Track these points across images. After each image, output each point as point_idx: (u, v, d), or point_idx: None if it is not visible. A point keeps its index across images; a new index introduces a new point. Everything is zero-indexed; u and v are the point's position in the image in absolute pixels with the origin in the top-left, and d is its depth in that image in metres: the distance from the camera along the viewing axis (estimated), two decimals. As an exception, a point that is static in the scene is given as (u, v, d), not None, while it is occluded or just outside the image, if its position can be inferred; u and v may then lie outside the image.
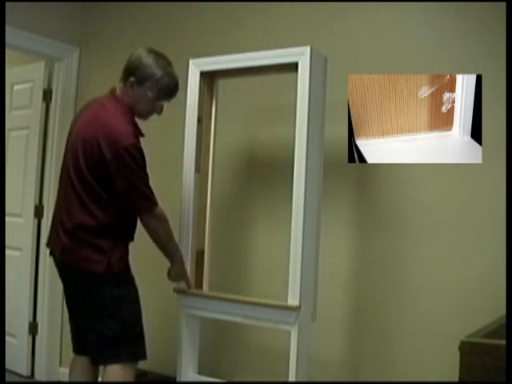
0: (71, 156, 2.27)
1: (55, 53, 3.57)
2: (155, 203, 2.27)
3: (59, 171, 3.57)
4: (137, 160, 2.18)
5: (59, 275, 2.39)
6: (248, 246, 2.94)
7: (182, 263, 2.46)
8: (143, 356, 2.31)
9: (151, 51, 2.29)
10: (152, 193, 2.27)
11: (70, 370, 2.42)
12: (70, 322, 2.44)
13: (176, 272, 2.46)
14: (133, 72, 2.25)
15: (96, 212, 2.20)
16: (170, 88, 2.30)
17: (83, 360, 2.37)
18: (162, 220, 2.31)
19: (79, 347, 2.39)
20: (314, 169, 2.31)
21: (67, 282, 2.35)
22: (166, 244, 2.36)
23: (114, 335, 2.22)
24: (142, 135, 2.31)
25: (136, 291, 2.34)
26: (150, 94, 2.27)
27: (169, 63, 2.30)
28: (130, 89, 2.26)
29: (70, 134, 2.37)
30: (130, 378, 2.26)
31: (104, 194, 2.20)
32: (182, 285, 2.50)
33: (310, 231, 2.30)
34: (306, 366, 2.31)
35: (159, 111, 2.37)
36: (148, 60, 2.25)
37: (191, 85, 2.57)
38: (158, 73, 2.25)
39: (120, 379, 2.22)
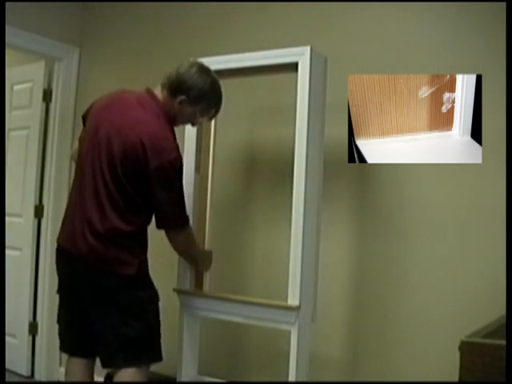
0: (106, 154, 2.14)
1: (55, 53, 3.57)
2: (188, 220, 2.29)
3: (60, 171, 3.61)
4: (179, 174, 2.18)
5: (68, 272, 2.26)
6: (248, 246, 2.94)
7: (203, 259, 2.53)
8: (160, 358, 2.29)
9: (205, 70, 2.24)
10: (185, 209, 2.25)
11: (67, 372, 2.34)
12: (69, 323, 2.33)
13: (204, 265, 2.54)
14: (186, 91, 2.19)
15: (131, 217, 2.16)
16: (218, 111, 2.34)
17: (82, 362, 2.31)
18: (191, 237, 2.37)
19: (79, 349, 2.31)
20: (314, 169, 2.31)
21: (83, 281, 2.21)
22: (188, 258, 2.49)
23: (138, 337, 2.18)
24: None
25: (157, 293, 2.32)
26: (198, 114, 2.27)
27: (220, 85, 2.29)
28: (179, 105, 2.22)
29: (98, 125, 2.20)
30: (144, 379, 2.22)
31: (139, 199, 2.16)
32: None
33: (310, 231, 2.30)
34: (306, 366, 2.31)
35: (197, 125, 2.40)
36: (205, 83, 2.21)
37: (191, 85, 2.56)
38: (214, 98, 2.26)
39: (136, 380, 2.18)
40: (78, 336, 2.31)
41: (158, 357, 2.28)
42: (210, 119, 2.42)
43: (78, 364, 2.32)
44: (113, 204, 2.13)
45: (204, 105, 2.25)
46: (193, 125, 2.39)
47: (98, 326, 2.21)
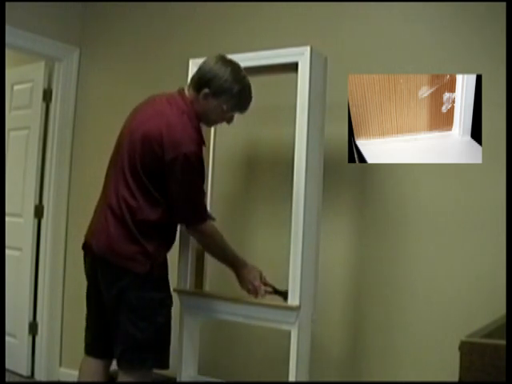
0: (127, 149, 2.17)
1: (55, 53, 3.58)
2: (203, 218, 2.22)
3: (60, 171, 3.60)
4: (195, 169, 2.12)
5: (89, 269, 2.27)
6: (248, 246, 2.94)
7: (245, 266, 2.35)
8: (166, 366, 2.23)
9: (226, 61, 2.20)
10: (202, 205, 2.22)
11: (80, 372, 2.32)
12: (89, 321, 2.33)
13: (244, 277, 2.35)
14: (207, 83, 2.17)
15: (148, 213, 2.13)
16: (246, 102, 2.26)
17: (94, 362, 2.28)
18: (207, 235, 2.27)
19: (92, 348, 2.30)
20: (314, 169, 2.31)
21: (101, 277, 2.21)
22: (216, 255, 2.35)
23: (144, 339, 2.14)
24: (204, 144, 2.24)
25: (171, 297, 2.27)
26: (224, 107, 2.21)
27: (245, 75, 2.23)
28: (204, 99, 2.19)
29: (128, 126, 2.26)
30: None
31: (155, 192, 2.13)
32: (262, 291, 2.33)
33: (310, 231, 2.30)
34: (306, 366, 2.31)
35: (229, 121, 2.32)
36: (225, 73, 2.17)
37: (191, 85, 2.56)
38: (236, 87, 2.18)
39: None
40: (93, 336, 2.32)
41: (164, 363, 2.22)
42: (242, 111, 2.31)
43: (90, 363, 2.30)
44: (131, 198, 2.13)
45: (227, 96, 2.19)
46: (227, 122, 2.32)
47: (112, 325, 2.20)
